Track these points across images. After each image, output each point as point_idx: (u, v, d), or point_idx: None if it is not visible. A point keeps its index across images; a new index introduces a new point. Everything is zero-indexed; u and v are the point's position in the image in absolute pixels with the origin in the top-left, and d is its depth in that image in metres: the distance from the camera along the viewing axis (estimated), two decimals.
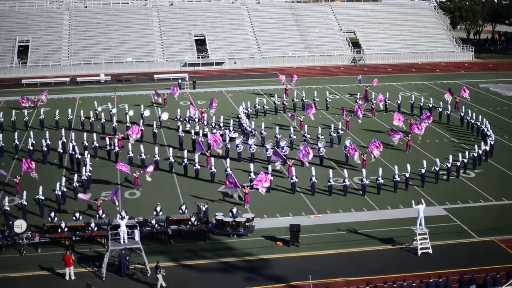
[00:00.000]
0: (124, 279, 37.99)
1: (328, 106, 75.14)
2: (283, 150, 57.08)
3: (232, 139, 60.32)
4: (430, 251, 40.56)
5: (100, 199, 47.55)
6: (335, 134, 62.33)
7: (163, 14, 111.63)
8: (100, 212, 44.36)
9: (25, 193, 46.61)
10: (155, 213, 44.31)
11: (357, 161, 54.86)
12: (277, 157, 54.03)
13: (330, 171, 50.98)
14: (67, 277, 37.66)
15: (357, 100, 74.84)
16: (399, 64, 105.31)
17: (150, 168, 52.03)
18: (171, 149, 56.91)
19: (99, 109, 70.96)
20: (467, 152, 56.01)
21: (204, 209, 44.42)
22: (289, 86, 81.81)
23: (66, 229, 41.73)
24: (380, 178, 50.14)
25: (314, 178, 49.97)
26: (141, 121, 65.93)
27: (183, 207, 44.81)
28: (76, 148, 56.85)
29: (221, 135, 60.89)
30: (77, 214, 43.86)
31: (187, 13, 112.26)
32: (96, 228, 42.30)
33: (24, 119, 68.38)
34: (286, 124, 67.25)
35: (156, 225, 42.74)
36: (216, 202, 48.32)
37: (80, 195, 47.16)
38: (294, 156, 56.02)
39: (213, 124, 64.94)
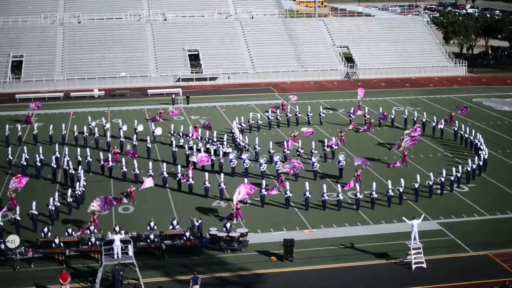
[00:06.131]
0: None
1: (322, 121, 75.22)
2: (277, 165, 57.15)
3: (225, 154, 60.29)
4: (424, 265, 40.55)
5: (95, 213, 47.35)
6: (328, 149, 62.38)
7: (157, 29, 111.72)
8: (92, 227, 44.28)
9: (18, 208, 46.54)
10: (149, 228, 44.19)
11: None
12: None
13: (324, 185, 50.98)
14: None
15: (350, 115, 75.14)
16: (392, 78, 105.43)
17: (150, 183, 52.06)
18: (164, 164, 56.83)
19: (93, 124, 70.88)
20: (460, 167, 56.14)
21: (197, 224, 44.37)
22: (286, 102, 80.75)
23: (60, 244, 41.57)
24: (374, 193, 50.18)
25: (308, 193, 49.97)
26: (135, 136, 65.92)
27: (174, 222, 44.77)
28: (69, 163, 56.73)
29: (215, 150, 60.91)
30: (69, 230, 43.76)
31: (181, 28, 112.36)
32: (92, 242, 42.14)
33: (18, 134, 68.22)
34: (280, 139, 67.35)
35: (154, 239, 42.67)
36: (210, 217, 48.31)
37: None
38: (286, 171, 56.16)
39: (207, 139, 64.93)
